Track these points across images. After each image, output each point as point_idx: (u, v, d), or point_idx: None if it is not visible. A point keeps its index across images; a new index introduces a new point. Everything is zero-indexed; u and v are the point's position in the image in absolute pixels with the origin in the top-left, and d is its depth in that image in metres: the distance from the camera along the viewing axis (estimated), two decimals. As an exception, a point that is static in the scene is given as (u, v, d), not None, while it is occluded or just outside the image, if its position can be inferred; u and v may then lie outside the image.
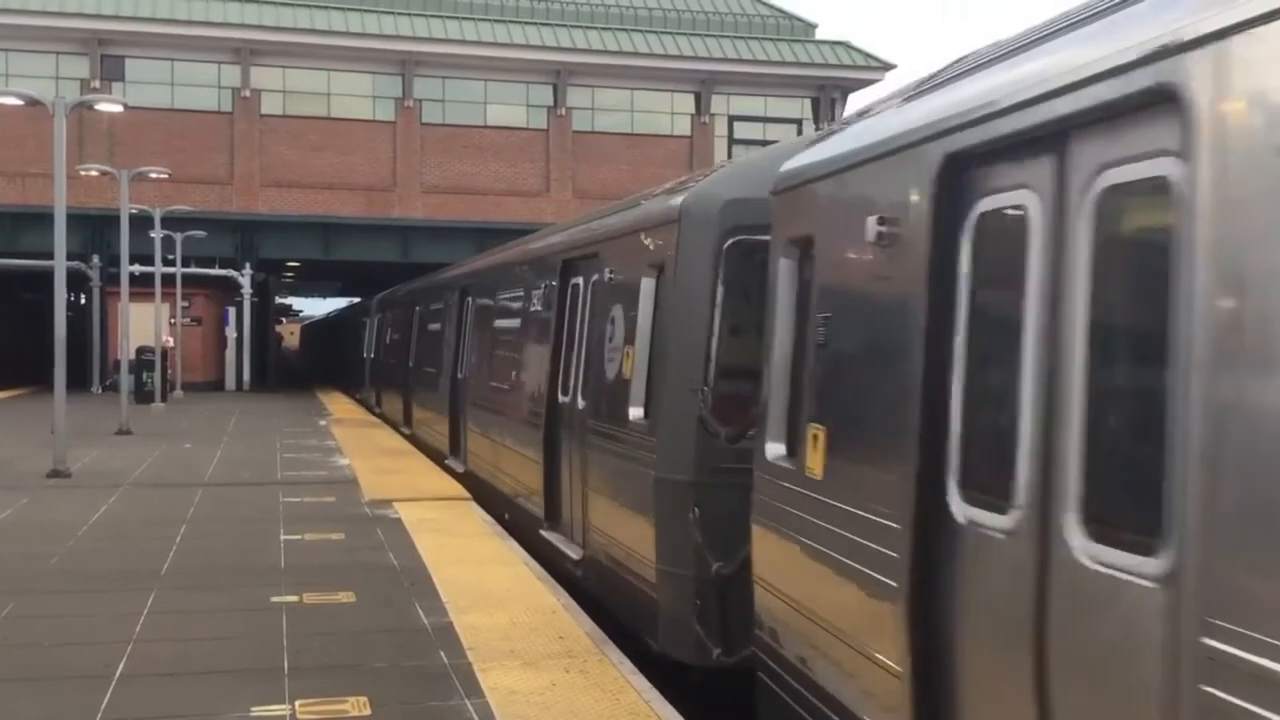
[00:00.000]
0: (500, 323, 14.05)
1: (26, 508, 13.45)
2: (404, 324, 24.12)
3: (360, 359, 34.70)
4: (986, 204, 4.08)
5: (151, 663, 7.19)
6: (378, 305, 31.27)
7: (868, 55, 47.66)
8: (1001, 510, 3.79)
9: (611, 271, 9.17)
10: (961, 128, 4.13)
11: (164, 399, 32.97)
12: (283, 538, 11.57)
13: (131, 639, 7.71)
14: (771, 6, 48.88)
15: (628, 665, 7.18)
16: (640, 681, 6.83)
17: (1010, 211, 3.92)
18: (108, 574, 9.82)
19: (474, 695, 6.54)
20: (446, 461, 17.47)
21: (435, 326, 19.86)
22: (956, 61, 5.14)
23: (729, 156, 42.19)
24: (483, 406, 14.73)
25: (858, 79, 46.91)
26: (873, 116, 5.59)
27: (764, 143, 37.91)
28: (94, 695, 6.50)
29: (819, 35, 48.87)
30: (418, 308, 22.55)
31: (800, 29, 48.61)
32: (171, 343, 36.54)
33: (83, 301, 41.54)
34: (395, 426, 23.79)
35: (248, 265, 41.11)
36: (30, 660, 7.28)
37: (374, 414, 28.28)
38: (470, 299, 16.75)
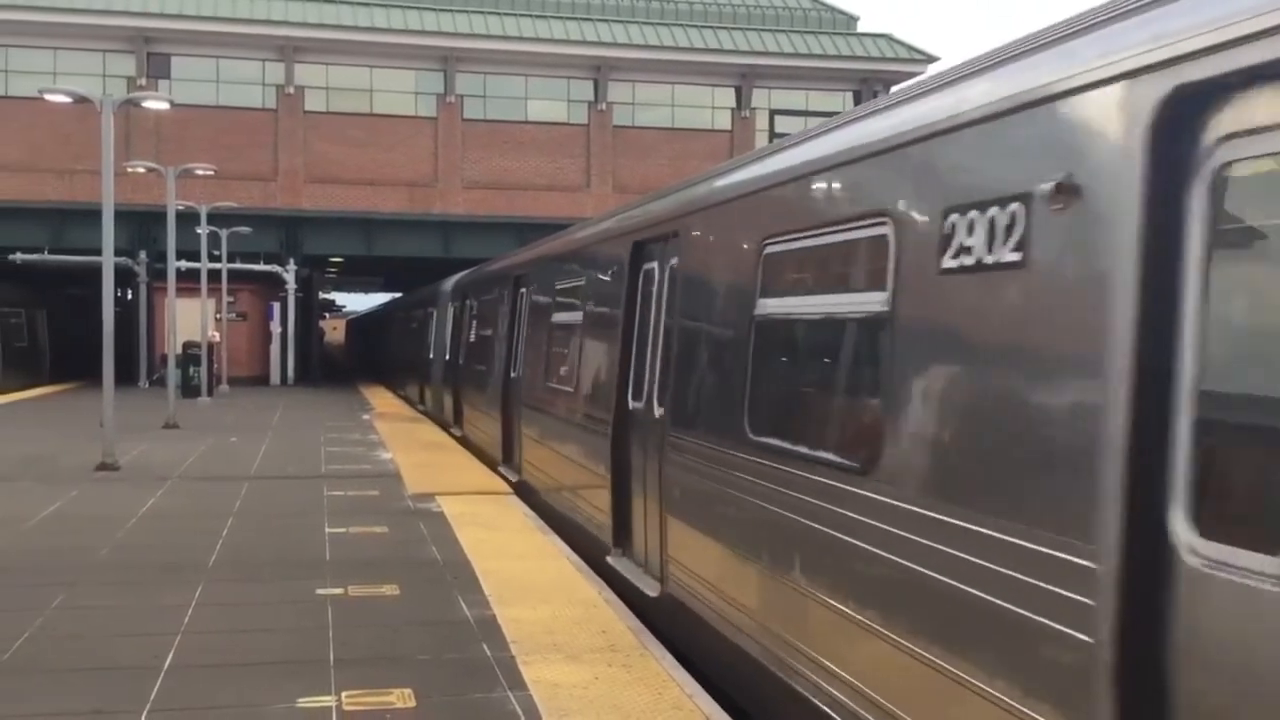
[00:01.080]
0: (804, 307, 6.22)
1: (76, 500, 13.63)
2: (503, 315, 16.90)
3: (424, 360, 27.65)
4: None
5: (199, 654, 7.26)
6: (455, 290, 23.57)
7: (911, 48, 47.35)
8: None
9: None
10: None
11: (210, 394, 33.35)
12: (327, 531, 11.65)
13: (179, 630, 7.79)
14: (813, -1, 48.71)
15: (670, 660, 7.16)
16: (683, 676, 6.81)
17: None
18: (156, 566, 9.93)
19: (517, 688, 6.56)
20: (611, 560, 9.58)
21: (567, 319, 12.05)
22: None
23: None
24: (703, 470, 7.32)
25: (901, 72, 46.56)
26: None
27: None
28: (143, 686, 6.57)
29: (861, 28, 48.59)
30: (525, 289, 15.05)
31: (842, 22, 48.34)
32: (217, 338, 36.95)
33: (129, 297, 42.04)
34: (492, 464, 16.82)
35: (292, 261, 41.49)
36: (79, 651, 7.36)
37: (453, 436, 21.50)
38: (664, 265, 8.85)
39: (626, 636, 7.65)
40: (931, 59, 47.17)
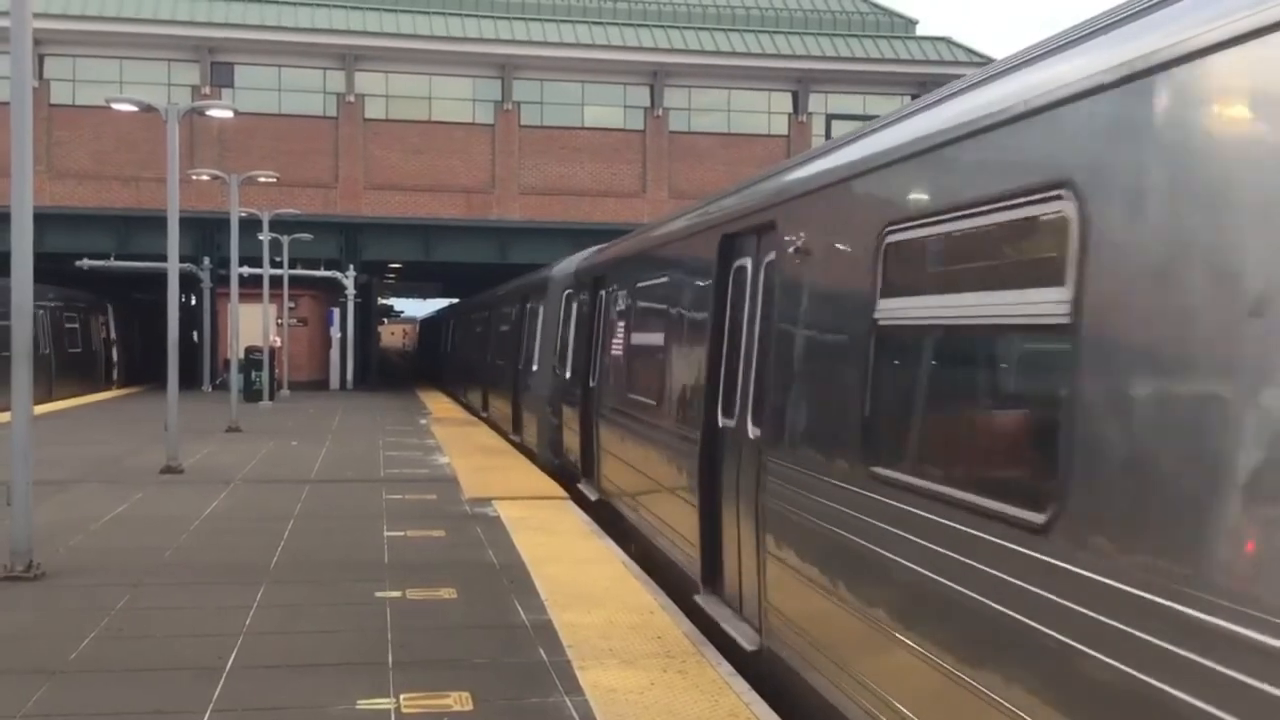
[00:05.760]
0: None
1: (141, 503, 13.87)
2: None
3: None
4: None
5: (261, 655, 7.37)
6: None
7: (970, 51, 46.94)
8: None
9: None
10: None
11: (271, 398, 33.79)
12: (386, 534, 11.76)
13: (241, 631, 7.91)
14: (871, 3, 48.38)
15: (726, 667, 7.15)
16: (740, 684, 6.79)
17: None
18: (218, 567, 10.09)
19: (574, 693, 6.58)
20: None
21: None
22: None
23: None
24: None
25: (960, 75, 45.96)
26: None
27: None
28: (206, 686, 6.68)
29: (919, 31, 48.22)
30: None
31: (900, 25, 48.03)
32: (279, 343, 37.42)
33: (193, 302, 42.73)
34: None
35: (351, 267, 41.93)
36: (145, 651, 7.50)
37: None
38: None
39: (682, 643, 7.65)
40: (990, 61, 46.65)
